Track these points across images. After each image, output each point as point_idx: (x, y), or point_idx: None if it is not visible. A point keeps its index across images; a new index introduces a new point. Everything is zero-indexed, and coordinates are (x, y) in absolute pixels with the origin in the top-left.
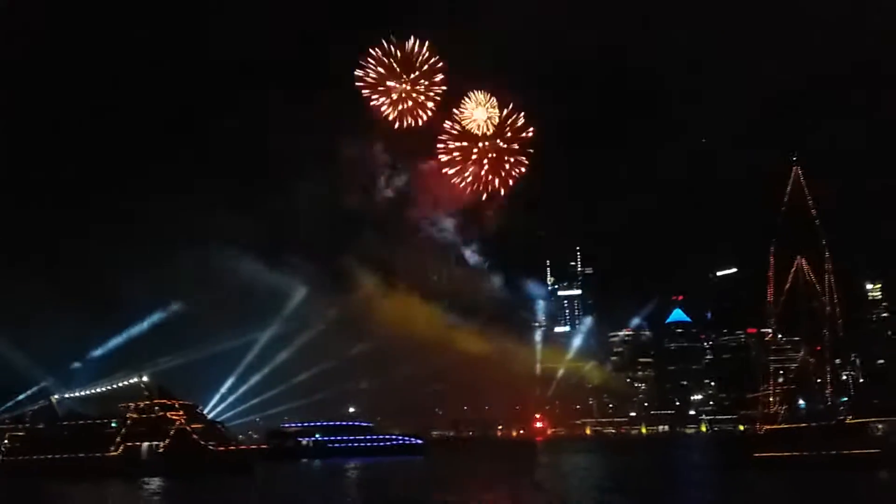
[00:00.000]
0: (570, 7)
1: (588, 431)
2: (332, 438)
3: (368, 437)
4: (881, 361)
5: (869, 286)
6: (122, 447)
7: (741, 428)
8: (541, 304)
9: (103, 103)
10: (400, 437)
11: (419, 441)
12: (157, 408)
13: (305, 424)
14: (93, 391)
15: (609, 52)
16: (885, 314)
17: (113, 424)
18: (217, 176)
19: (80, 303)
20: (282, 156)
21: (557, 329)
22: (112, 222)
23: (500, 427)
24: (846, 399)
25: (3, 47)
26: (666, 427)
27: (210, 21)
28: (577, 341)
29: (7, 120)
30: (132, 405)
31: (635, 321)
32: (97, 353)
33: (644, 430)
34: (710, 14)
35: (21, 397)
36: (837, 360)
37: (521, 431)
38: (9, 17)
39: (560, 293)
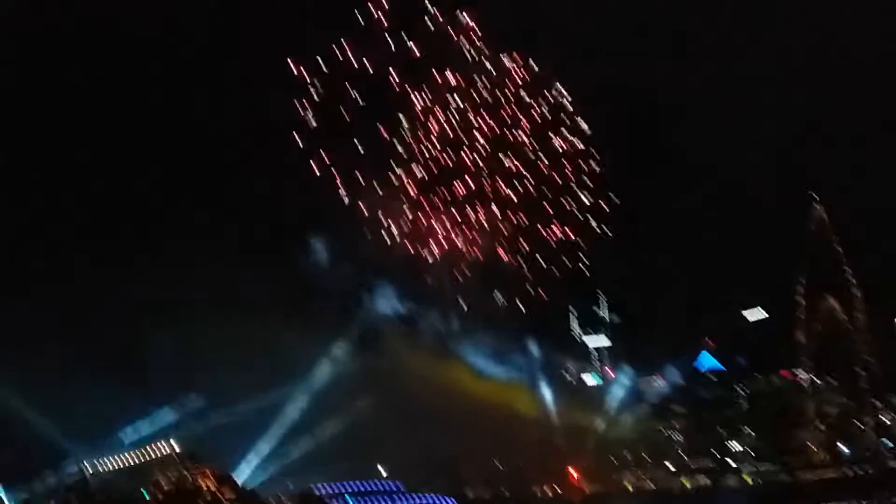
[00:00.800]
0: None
1: (628, 486)
2: (363, 500)
3: (399, 497)
4: None
5: None
6: None
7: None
8: (567, 356)
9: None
10: (431, 497)
11: (451, 500)
12: (189, 477)
13: (335, 487)
14: (124, 463)
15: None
16: None
17: (146, 496)
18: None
19: (109, 371)
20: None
21: (586, 380)
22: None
23: (534, 484)
24: (890, 445)
25: None
26: (706, 479)
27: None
28: (607, 392)
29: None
30: (163, 474)
31: (667, 370)
32: (129, 423)
33: (687, 483)
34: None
35: (52, 470)
36: (879, 404)
37: (556, 489)
38: None
39: (588, 343)
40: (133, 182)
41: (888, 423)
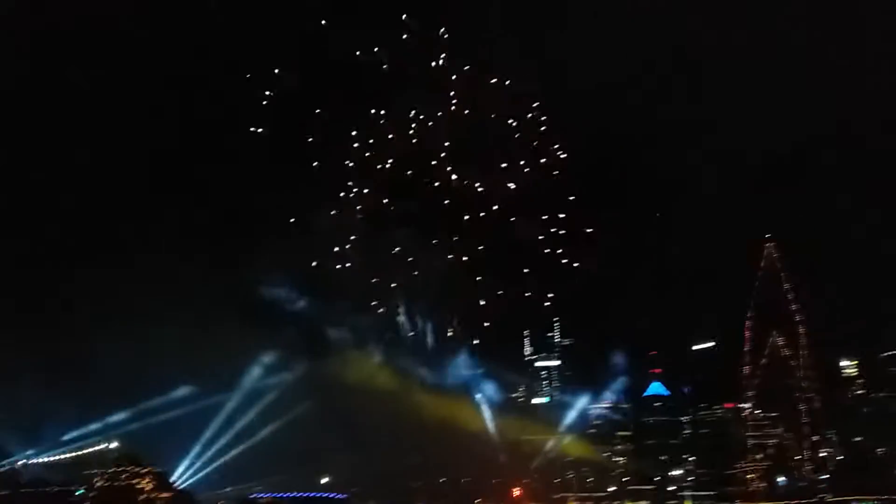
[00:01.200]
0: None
1: None
2: None
3: None
4: (858, 438)
5: (845, 362)
6: None
7: None
8: (517, 376)
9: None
10: None
11: None
12: (124, 475)
13: (276, 496)
14: (59, 457)
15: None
16: (859, 391)
17: (79, 492)
18: (194, 235)
19: (48, 364)
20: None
21: (535, 400)
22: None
23: (478, 501)
24: (826, 476)
25: None
26: (647, 503)
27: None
28: (555, 413)
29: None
30: (99, 472)
31: (614, 394)
32: (65, 417)
33: None
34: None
35: None
36: (815, 438)
37: None
38: None
39: (538, 364)
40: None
41: (824, 456)
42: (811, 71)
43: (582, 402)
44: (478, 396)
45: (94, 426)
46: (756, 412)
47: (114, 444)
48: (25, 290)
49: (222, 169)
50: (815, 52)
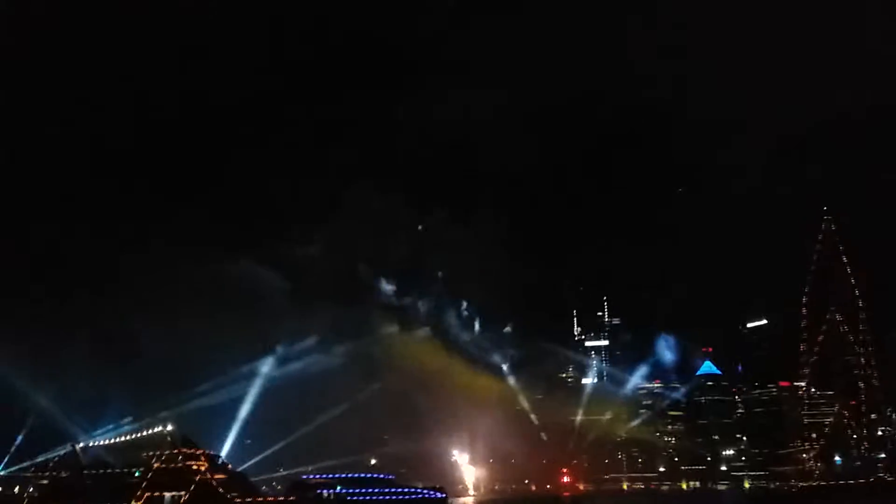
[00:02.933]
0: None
1: (624, 486)
2: (353, 491)
3: (389, 489)
4: None
5: None
6: (145, 497)
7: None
8: (568, 356)
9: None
10: (422, 490)
11: (441, 494)
12: (180, 457)
13: (326, 476)
14: (117, 440)
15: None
16: None
17: (136, 473)
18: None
19: (102, 352)
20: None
21: (584, 381)
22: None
23: (527, 482)
24: (884, 455)
25: None
26: (697, 483)
27: None
28: (604, 393)
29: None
30: (156, 454)
31: (665, 373)
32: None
33: (684, 486)
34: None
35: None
36: (873, 416)
37: (549, 487)
38: None
39: (587, 344)
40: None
41: (881, 434)
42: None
43: (632, 381)
44: (529, 378)
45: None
46: (812, 391)
47: (169, 428)
48: (78, 276)
49: (256, 155)
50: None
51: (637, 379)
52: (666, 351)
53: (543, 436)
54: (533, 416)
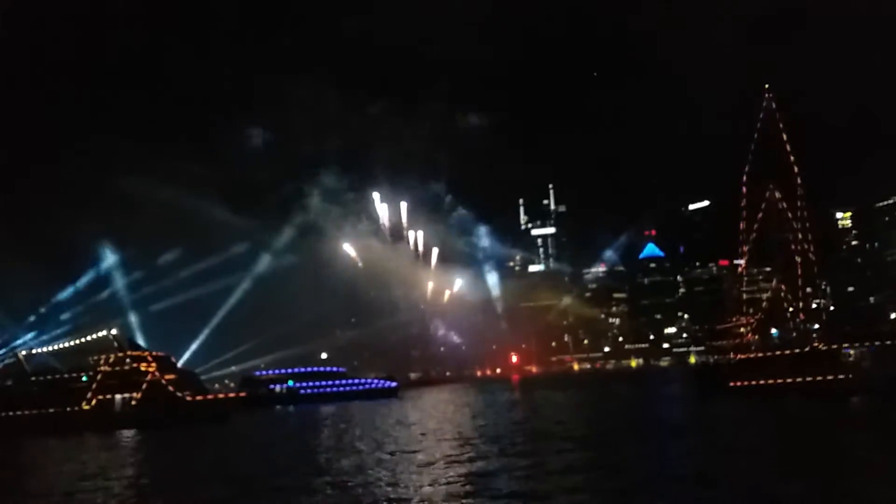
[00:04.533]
0: None
1: (575, 367)
2: (305, 384)
3: (341, 381)
4: (851, 289)
5: (839, 215)
6: (94, 401)
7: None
8: (515, 244)
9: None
10: (372, 381)
11: (392, 384)
12: (128, 360)
13: (278, 372)
14: (61, 345)
15: None
16: (854, 242)
17: (84, 378)
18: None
19: (39, 253)
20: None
21: (532, 268)
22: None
23: (476, 367)
24: (818, 327)
25: None
26: (640, 360)
27: None
28: (551, 280)
29: None
30: (103, 358)
31: (609, 257)
32: (64, 306)
33: (633, 363)
34: None
35: None
36: (809, 289)
37: (498, 370)
38: None
39: (534, 232)
40: None
41: (816, 307)
42: None
43: (577, 267)
44: (476, 266)
45: (94, 314)
46: (751, 268)
47: (113, 332)
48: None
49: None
50: None
51: (582, 264)
52: (610, 236)
53: (494, 323)
54: (483, 305)
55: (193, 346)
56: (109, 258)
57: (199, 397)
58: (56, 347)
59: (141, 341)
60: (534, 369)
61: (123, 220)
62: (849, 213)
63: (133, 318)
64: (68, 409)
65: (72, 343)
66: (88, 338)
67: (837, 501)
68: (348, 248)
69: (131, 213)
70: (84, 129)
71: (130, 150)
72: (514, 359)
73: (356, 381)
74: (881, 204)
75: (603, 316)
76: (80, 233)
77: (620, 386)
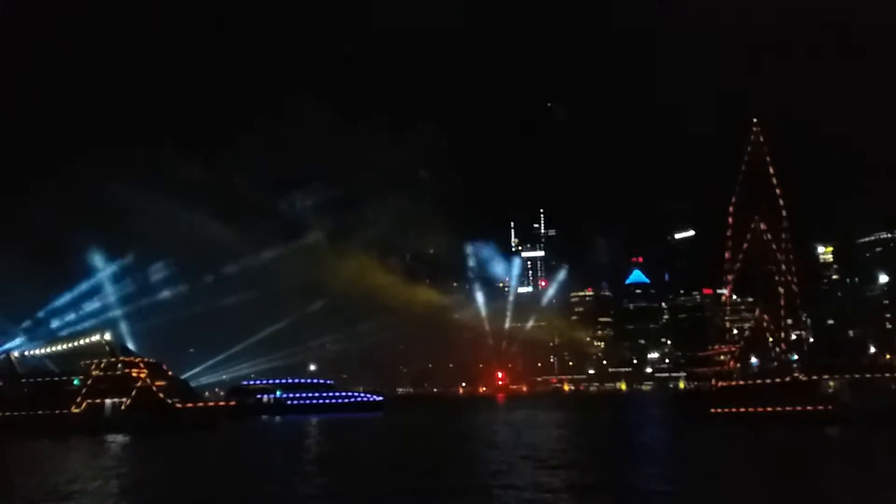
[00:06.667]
0: None
1: (566, 388)
2: (292, 395)
3: (328, 394)
4: (831, 322)
5: (821, 249)
6: (84, 404)
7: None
8: (505, 266)
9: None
10: (359, 394)
11: (378, 398)
12: (120, 365)
13: (267, 382)
14: (54, 349)
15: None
16: (835, 276)
17: (75, 382)
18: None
19: (32, 258)
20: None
21: (521, 289)
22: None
23: (463, 384)
24: (797, 357)
25: None
26: (623, 384)
27: None
28: (539, 301)
29: None
30: (95, 362)
31: (597, 282)
32: (57, 310)
33: (623, 387)
34: None
35: None
36: (790, 321)
37: (484, 388)
38: None
39: (524, 255)
40: None
41: (797, 338)
42: None
43: (565, 289)
44: (465, 286)
45: (87, 320)
46: (734, 297)
47: (106, 336)
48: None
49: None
50: None
51: (570, 287)
52: (598, 261)
53: (482, 342)
54: (471, 324)
55: (192, 366)
56: (105, 265)
57: (188, 405)
58: (48, 350)
59: (132, 346)
60: (524, 388)
61: (118, 228)
62: (830, 248)
63: (124, 327)
64: (59, 411)
65: (65, 346)
66: (81, 342)
67: None
68: (340, 261)
69: (126, 222)
70: (79, 137)
71: (124, 159)
72: (500, 378)
73: (343, 393)
74: (862, 240)
75: (588, 339)
76: (75, 239)
77: (604, 409)
